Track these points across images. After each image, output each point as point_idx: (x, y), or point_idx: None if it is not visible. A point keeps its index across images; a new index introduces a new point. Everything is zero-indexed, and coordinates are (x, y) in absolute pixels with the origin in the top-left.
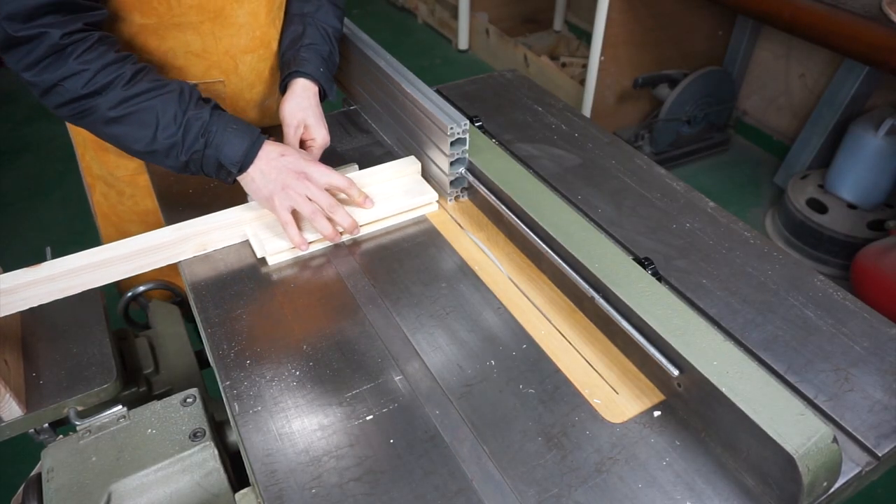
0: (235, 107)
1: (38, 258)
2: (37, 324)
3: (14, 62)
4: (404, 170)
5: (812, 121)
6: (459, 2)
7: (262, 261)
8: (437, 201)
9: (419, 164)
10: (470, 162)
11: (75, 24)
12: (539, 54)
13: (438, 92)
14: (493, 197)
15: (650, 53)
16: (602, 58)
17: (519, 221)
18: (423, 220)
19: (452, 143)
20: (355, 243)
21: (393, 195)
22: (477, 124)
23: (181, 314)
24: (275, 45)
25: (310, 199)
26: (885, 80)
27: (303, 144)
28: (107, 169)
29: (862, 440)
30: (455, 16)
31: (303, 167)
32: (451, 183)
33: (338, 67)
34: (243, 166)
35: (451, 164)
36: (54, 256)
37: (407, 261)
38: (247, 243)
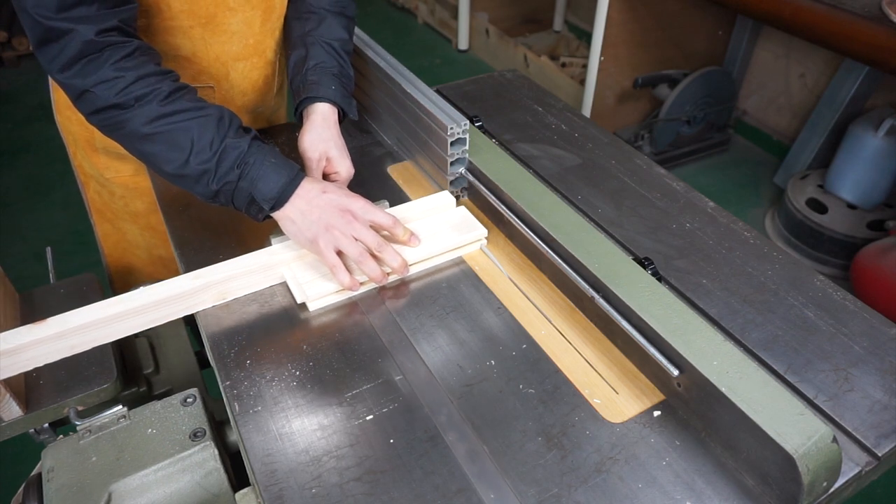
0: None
1: (38, 258)
2: None
3: (47, 61)
4: (438, 204)
5: (812, 121)
6: (459, 2)
7: (302, 306)
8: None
9: (454, 199)
10: (470, 162)
11: (110, 20)
12: (539, 54)
13: (438, 92)
14: (493, 197)
15: (650, 53)
16: (602, 58)
17: (519, 221)
18: None
19: (452, 143)
20: None
21: (438, 231)
22: (477, 124)
23: None
24: (270, 55)
25: (355, 239)
26: (885, 80)
27: (325, 178)
28: (97, 170)
29: (862, 440)
30: (455, 16)
31: (346, 204)
32: (451, 183)
33: (353, 78)
34: (276, 204)
35: (451, 164)
36: (55, 257)
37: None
38: (269, 288)
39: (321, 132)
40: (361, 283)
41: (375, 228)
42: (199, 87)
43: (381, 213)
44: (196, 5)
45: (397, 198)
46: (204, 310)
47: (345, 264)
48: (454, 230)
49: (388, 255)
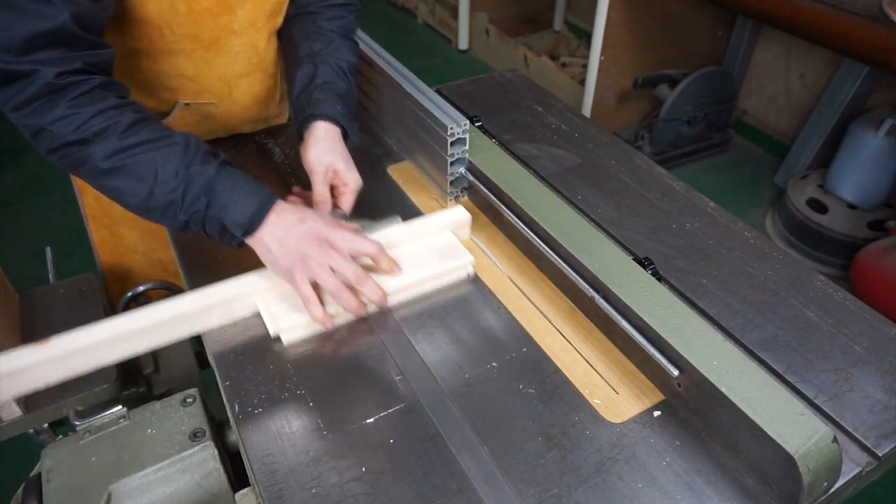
0: (227, 124)
1: (38, 258)
2: (36, 324)
3: (3, 101)
4: (451, 220)
5: (812, 121)
6: (459, 2)
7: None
8: (435, 199)
9: (469, 216)
10: (470, 162)
11: (73, 63)
12: (539, 54)
13: (438, 92)
14: (493, 197)
15: (650, 53)
16: (602, 58)
17: (519, 221)
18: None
19: (452, 143)
20: None
21: (426, 259)
22: (477, 124)
23: None
24: (273, 69)
25: (333, 270)
26: (885, 80)
27: (334, 191)
28: None
29: (862, 440)
30: (455, 16)
31: (325, 234)
32: (451, 183)
33: (357, 100)
34: (248, 230)
35: (451, 164)
36: (54, 257)
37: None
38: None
39: (326, 145)
40: (333, 316)
41: (357, 257)
42: (201, 104)
43: (364, 243)
44: (199, 29)
45: (397, 198)
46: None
47: (320, 297)
48: (440, 257)
49: (367, 288)
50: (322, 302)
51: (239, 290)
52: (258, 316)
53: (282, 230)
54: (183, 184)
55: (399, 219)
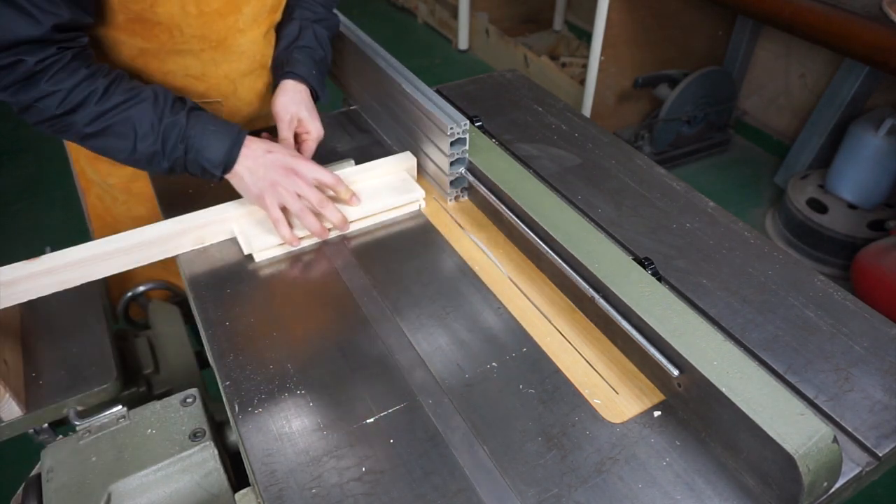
0: (231, 121)
1: None
2: (37, 323)
3: None
4: (400, 165)
5: (812, 121)
6: (459, 2)
7: (250, 257)
8: (435, 199)
9: (414, 160)
10: (470, 162)
11: (51, 49)
12: (539, 54)
13: (438, 92)
14: (493, 197)
15: (650, 53)
16: (602, 58)
17: (519, 221)
18: (418, 215)
19: (452, 143)
20: (349, 238)
21: (381, 192)
22: (477, 124)
23: (181, 314)
24: (269, 62)
25: (299, 196)
26: (885, 80)
27: (297, 138)
28: (100, 176)
29: (862, 440)
30: (455, 16)
31: (291, 163)
32: (451, 183)
33: (330, 68)
34: (226, 167)
35: (451, 164)
36: None
37: (406, 261)
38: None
39: (293, 95)
40: (301, 238)
41: (320, 187)
42: (207, 103)
43: (324, 173)
44: (208, 29)
45: None
46: (185, 253)
47: (288, 220)
48: (394, 192)
49: (328, 211)
50: (290, 225)
51: (214, 216)
52: (230, 241)
53: (251, 160)
54: (160, 136)
55: (352, 161)
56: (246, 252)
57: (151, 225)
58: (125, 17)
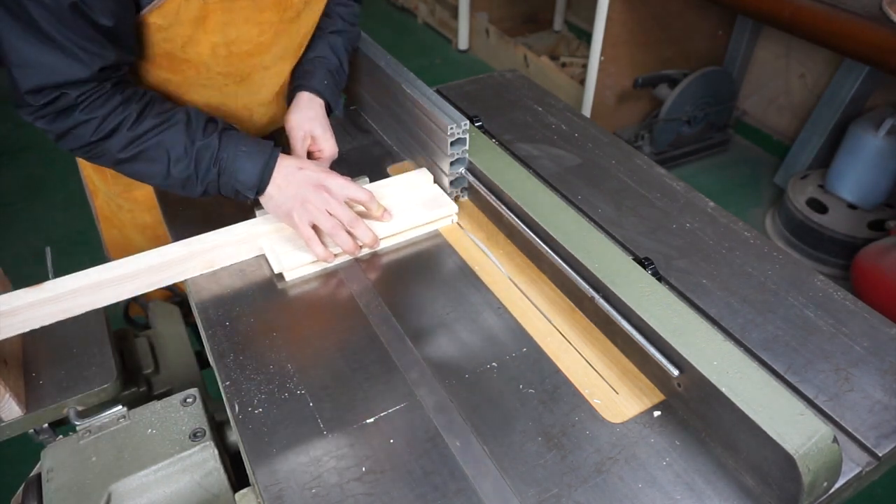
0: None
1: (38, 258)
2: None
3: (27, 113)
4: (416, 181)
5: (812, 121)
6: (459, 2)
7: (279, 276)
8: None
9: (431, 176)
10: (470, 162)
11: (92, 83)
12: (539, 54)
13: (438, 92)
14: (493, 197)
15: (650, 53)
16: (602, 58)
17: (519, 221)
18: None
19: (452, 143)
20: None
21: (410, 207)
22: (477, 124)
23: (181, 314)
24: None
25: (330, 214)
26: (885, 80)
27: (310, 156)
28: (105, 185)
29: (862, 440)
30: (455, 16)
31: (322, 180)
32: (451, 183)
33: (347, 79)
34: (260, 189)
35: (451, 164)
36: (55, 257)
37: (406, 261)
38: (256, 259)
39: (306, 112)
40: (336, 255)
41: (351, 204)
42: None
43: (357, 189)
44: (233, 67)
45: None
46: (194, 281)
47: (320, 238)
48: (425, 206)
49: (359, 230)
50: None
51: (236, 235)
52: (252, 261)
53: (282, 178)
54: (193, 159)
55: (367, 179)
56: (276, 270)
57: (158, 249)
58: (155, 52)
